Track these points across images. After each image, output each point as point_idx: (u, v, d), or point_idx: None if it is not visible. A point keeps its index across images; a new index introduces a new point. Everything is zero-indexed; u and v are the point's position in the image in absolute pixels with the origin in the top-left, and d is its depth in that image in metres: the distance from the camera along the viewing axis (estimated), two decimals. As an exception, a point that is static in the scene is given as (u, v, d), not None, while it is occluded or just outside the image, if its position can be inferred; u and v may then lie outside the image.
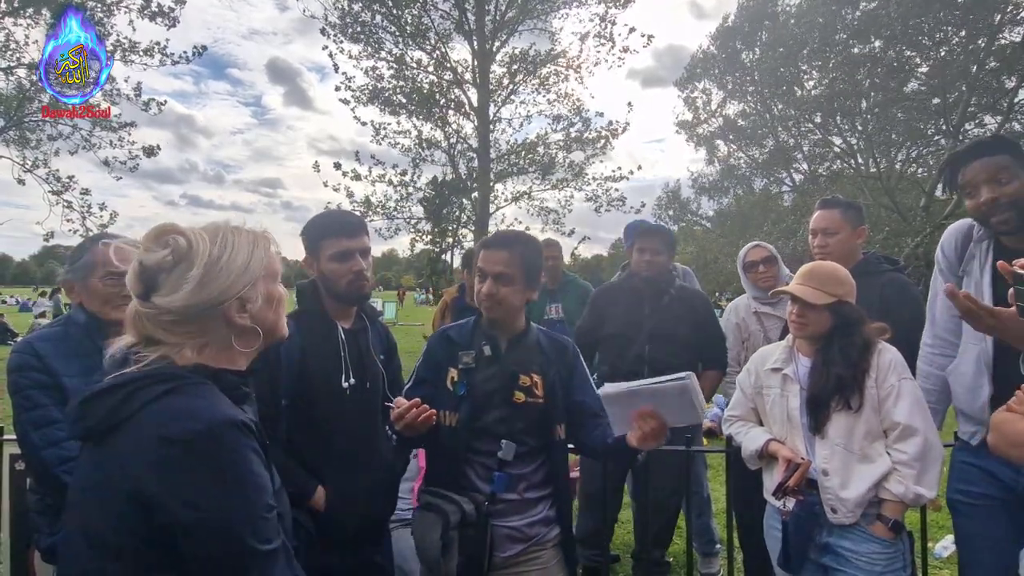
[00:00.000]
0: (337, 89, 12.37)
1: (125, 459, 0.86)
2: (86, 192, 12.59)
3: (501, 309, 1.75)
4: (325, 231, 1.86)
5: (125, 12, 11.21)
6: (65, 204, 12.39)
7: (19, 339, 13.16)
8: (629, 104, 13.58)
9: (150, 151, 12.73)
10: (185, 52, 12.04)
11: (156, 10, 11.27)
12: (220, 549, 0.85)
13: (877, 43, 14.81)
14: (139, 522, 0.84)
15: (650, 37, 13.57)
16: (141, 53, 11.49)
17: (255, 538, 0.86)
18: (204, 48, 12.51)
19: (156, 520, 0.83)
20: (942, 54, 14.15)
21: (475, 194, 12.60)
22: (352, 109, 12.40)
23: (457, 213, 12.35)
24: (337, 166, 12.49)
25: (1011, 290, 1.24)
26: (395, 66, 12.64)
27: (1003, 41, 13.74)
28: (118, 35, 11.35)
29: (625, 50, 12.91)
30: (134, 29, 11.31)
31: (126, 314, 0.98)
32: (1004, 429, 1.18)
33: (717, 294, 20.97)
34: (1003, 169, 1.68)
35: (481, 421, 1.71)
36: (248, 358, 1.05)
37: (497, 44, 12.99)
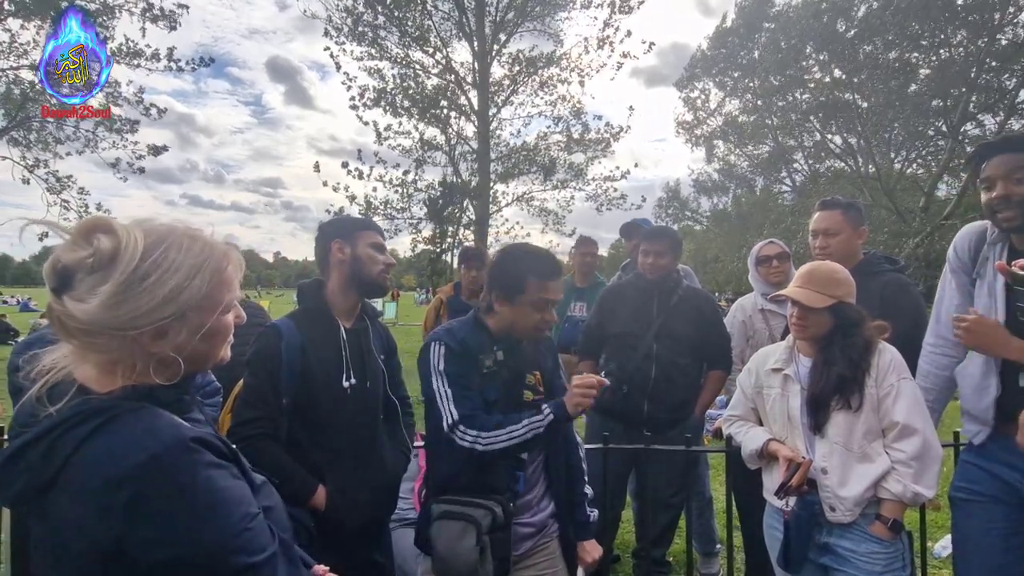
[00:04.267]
0: (348, 90, 12.36)
1: (73, 515, 0.75)
2: (83, 191, 12.58)
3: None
4: (365, 225, 2.02)
5: (129, 14, 11.26)
6: (63, 204, 12.39)
7: (20, 339, 13.17)
8: (630, 108, 13.61)
9: (157, 150, 12.73)
10: (192, 60, 12.07)
11: (158, 13, 11.30)
12: None
13: (879, 44, 14.81)
14: (112, 573, 0.76)
15: (651, 44, 13.61)
16: (148, 58, 11.52)
17: (244, 554, 0.79)
18: (212, 60, 12.58)
19: (129, 567, 0.75)
20: (942, 55, 14.16)
21: (476, 200, 12.61)
22: (357, 113, 12.40)
23: (458, 214, 12.37)
24: (344, 165, 12.48)
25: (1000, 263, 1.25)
26: (399, 68, 12.66)
27: (1003, 42, 13.73)
28: (125, 38, 11.40)
29: (625, 55, 12.91)
30: (144, 35, 11.36)
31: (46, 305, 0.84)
32: None
33: (716, 294, 20.98)
34: (1020, 168, 1.68)
35: None
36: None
37: (497, 46, 13.00)
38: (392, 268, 2.00)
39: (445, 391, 1.65)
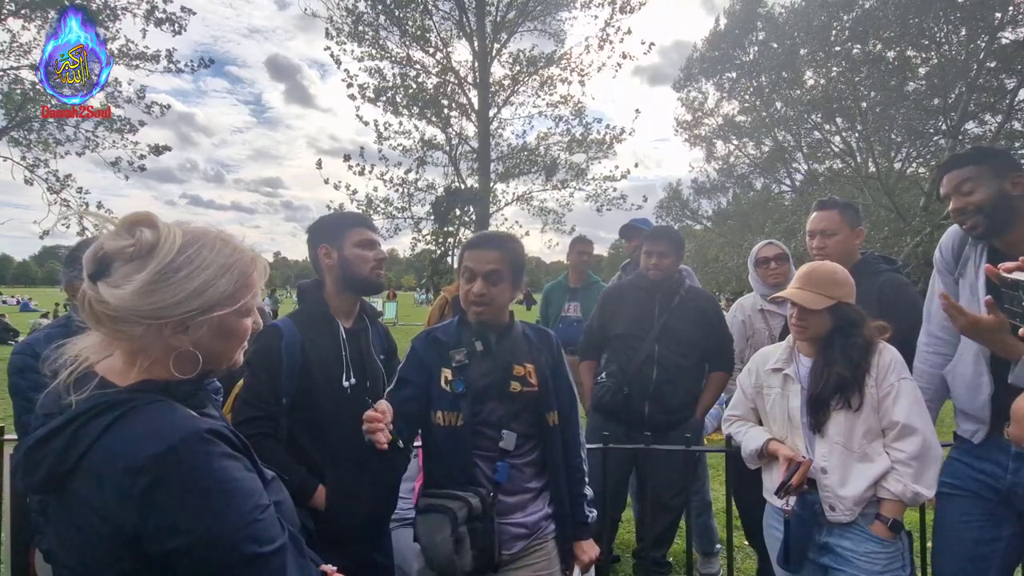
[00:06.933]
0: (348, 87, 12.38)
1: (92, 502, 0.79)
2: (83, 191, 12.58)
3: (491, 309, 1.74)
4: (351, 221, 1.99)
5: (132, 16, 11.26)
6: (63, 203, 12.38)
7: (20, 339, 13.15)
8: (636, 111, 13.59)
9: (158, 150, 12.72)
10: (192, 61, 12.08)
11: (162, 16, 11.32)
12: (221, 565, 0.81)
13: (878, 44, 14.78)
14: (128, 560, 0.79)
15: (651, 45, 13.63)
16: (148, 59, 11.53)
17: (255, 543, 0.82)
18: (211, 60, 12.56)
19: (145, 553, 0.79)
20: (943, 53, 14.14)
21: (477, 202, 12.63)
22: (357, 108, 12.41)
23: (460, 215, 12.38)
24: (346, 159, 12.48)
25: (988, 297, 1.27)
26: (399, 67, 12.68)
27: (1004, 41, 13.72)
28: (125, 39, 11.39)
29: (624, 56, 12.91)
30: (144, 35, 11.36)
31: (79, 291, 0.89)
32: None
33: (716, 293, 20.95)
34: (966, 180, 1.82)
35: (481, 416, 1.72)
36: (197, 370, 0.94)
37: (497, 45, 13.01)
38: (384, 262, 1.98)
39: (388, 391, 1.78)
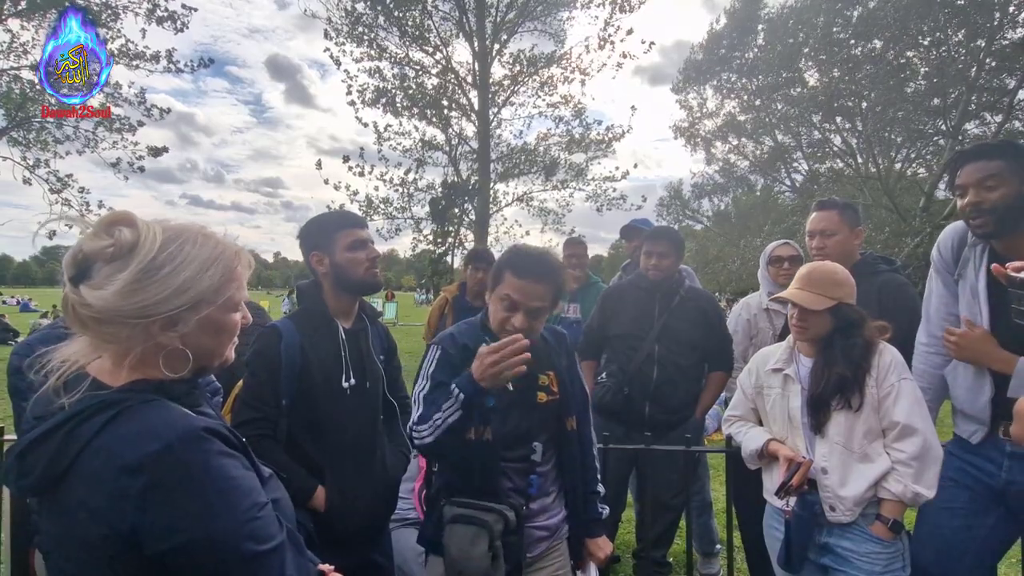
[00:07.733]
0: (347, 93, 12.40)
1: (88, 503, 0.77)
2: (84, 190, 12.58)
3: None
4: (339, 223, 1.93)
5: (133, 15, 11.27)
6: (64, 202, 12.38)
7: (20, 339, 13.16)
8: (632, 108, 13.67)
9: (156, 152, 12.74)
10: (191, 61, 12.08)
11: (164, 14, 11.33)
12: (218, 563, 0.80)
13: (877, 43, 14.79)
14: (125, 559, 0.78)
15: (651, 44, 13.66)
16: (148, 59, 11.54)
17: (253, 541, 0.82)
18: (211, 60, 12.56)
19: (142, 553, 0.78)
20: (941, 54, 14.14)
21: (476, 198, 12.64)
22: (356, 112, 12.43)
23: (460, 214, 12.40)
24: (345, 160, 12.49)
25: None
26: (398, 67, 12.70)
27: (1004, 41, 13.72)
28: (125, 39, 11.40)
29: (624, 55, 12.94)
30: (144, 35, 11.38)
31: (62, 296, 0.87)
32: None
33: (717, 294, 20.93)
34: (992, 175, 1.71)
35: (508, 428, 1.66)
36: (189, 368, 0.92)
37: (497, 45, 13.02)
38: (378, 259, 1.93)
39: (421, 394, 1.63)
